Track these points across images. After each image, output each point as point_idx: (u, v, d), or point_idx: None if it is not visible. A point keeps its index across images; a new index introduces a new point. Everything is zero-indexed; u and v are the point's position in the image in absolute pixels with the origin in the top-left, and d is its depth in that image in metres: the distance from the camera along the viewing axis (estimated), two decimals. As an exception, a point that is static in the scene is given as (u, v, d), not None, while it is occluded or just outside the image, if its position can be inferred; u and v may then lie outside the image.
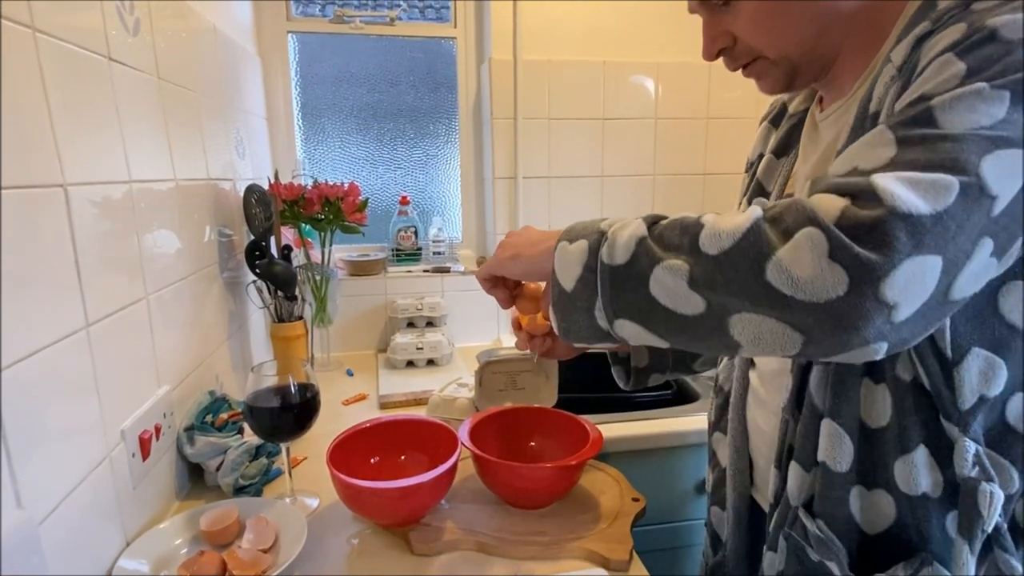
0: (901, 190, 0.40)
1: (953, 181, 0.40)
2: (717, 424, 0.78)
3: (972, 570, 0.51)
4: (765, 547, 0.65)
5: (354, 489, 0.73)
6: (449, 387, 1.15)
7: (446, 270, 1.64)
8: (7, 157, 0.53)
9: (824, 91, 0.66)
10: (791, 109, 0.73)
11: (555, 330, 0.56)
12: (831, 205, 0.41)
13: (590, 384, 1.20)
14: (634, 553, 0.74)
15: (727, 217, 0.46)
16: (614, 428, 1.10)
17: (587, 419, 0.89)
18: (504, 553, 0.74)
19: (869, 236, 0.39)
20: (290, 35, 1.59)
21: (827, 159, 0.62)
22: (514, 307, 0.72)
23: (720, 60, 0.64)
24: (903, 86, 0.49)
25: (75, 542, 0.62)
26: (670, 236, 0.48)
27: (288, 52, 1.59)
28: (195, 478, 0.93)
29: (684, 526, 1.17)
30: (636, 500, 0.83)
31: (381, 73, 1.66)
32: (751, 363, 0.73)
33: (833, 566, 0.56)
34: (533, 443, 0.91)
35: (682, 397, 1.31)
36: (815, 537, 0.58)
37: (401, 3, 1.64)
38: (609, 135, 1.62)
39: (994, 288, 0.49)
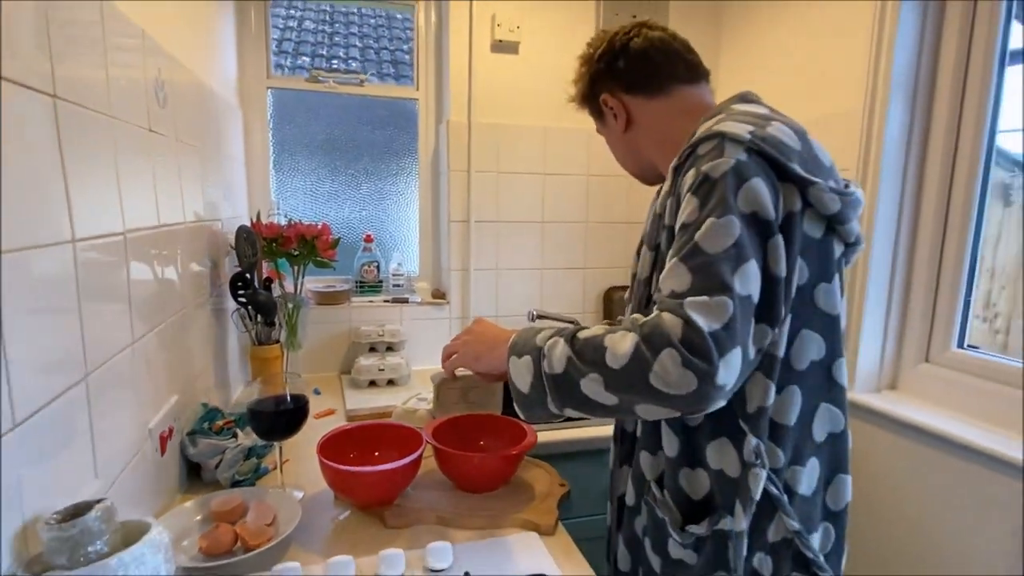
0: (702, 320, 0.63)
1: (727, 301, 0.64)
2: None
3: (745, 523, 0.75)
4: (635, 515, 0.90)
5: (341, 474, 0.92)
6: (410, 401, 1.35)
7: (405, 301, 1.84)
8: (90, 212, 0.72)
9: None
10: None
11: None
12: (675, 326, 0.64)
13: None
14: (559, 522, 0.96)
15: (619, 340, 0.67)
16: (549, 435, 1.33)
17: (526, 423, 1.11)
18: (460, 524, 0.94)
19: (698, 351, 0.63)
20: (269, 90, 1.78)
21: (650, 221, 0.89)
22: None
23: None
24: (675, 202, 0.76)
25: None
26: (586, 353, 0.70)
27: (266, 105, 1.78)
28: (192, 476, 1.09)
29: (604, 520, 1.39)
30: (562, 485, 1.06)
31: (350, 124, 1.87)
32: None
33: (670, 522, 0.82)
34: (482, 442, 1.12)
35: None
36: (661, 503, 0.83)
37: (370, 68, 1.87)
38: (549, 188, 1.89)
39: None
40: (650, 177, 0.97)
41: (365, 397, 1.55)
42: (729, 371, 0.64)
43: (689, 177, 0.73)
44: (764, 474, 0.75)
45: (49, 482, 0.59)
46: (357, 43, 1.95)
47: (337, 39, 1.95)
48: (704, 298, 0.65)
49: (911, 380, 1.48)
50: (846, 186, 0.79)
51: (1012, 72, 1.33)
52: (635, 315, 0.71)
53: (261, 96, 1.77)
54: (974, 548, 1.21)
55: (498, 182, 1.84)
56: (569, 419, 0.83)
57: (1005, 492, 1.15)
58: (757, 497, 0.75)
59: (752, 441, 0.75)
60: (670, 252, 0.72)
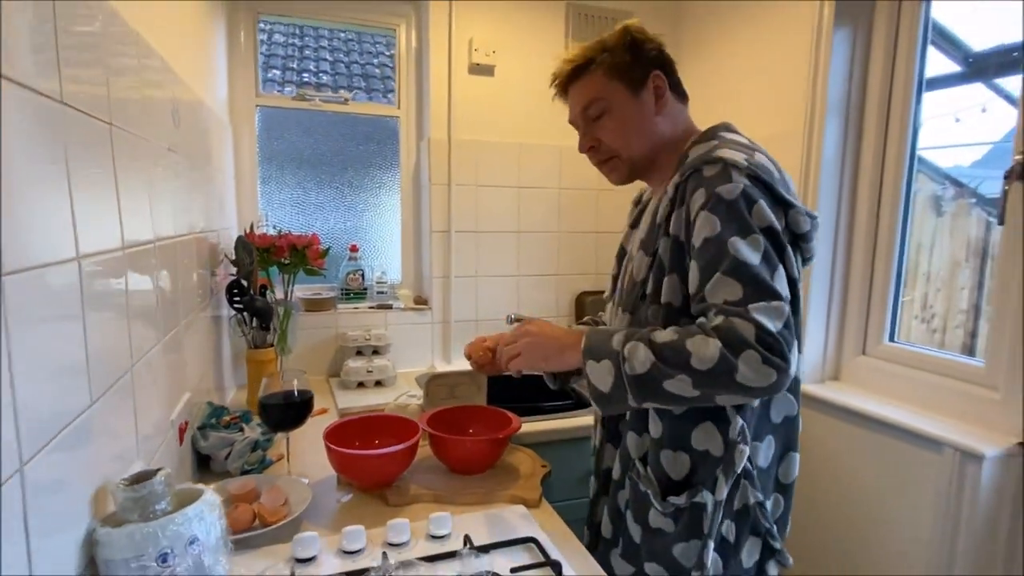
0: (769, 323, 0.76)
1: (782, 304, 0.78)
2: None
3: (726, 493, 0.87)
4: (619, 489, 1.01)
5: (348, 457, 1.02)
6: (401, 397, 1.45)
7: (389, 307, 1.94)
8: (132, 223, 0.81)
9: (650, 183, 1.07)
10: (644, 197, 1.13)
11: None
12: (748, 330, 0.75)
13: (514, 397, 1.55)
14: (543, 497, 1.08)
15: (701, 344, 0.77)
16: (532, 426, 1.45)
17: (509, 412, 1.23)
18: (454, 501, 1.05)
19: (773, 349, 0.75)
20: (258, 108, 1.87)
21: (648, 229, 0.99)
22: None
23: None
24: (681, 213, 0.87)
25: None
26: (670, 357, 0.79)
27: (255, 121, 1.87)
28: (202, 468, 1.17)
29: (582, 503, 1.51)
30: (544, 466, 1.17)
31: (336, 138, 1.97)
32: None
33: (651, 494, 0.93)
34: (471, 429, 1.23)
35: (579, 404, 1.67)
36: (644, 477, 0.94)
37: (341, 81, 1.98)
38: (523, 200, 2.02)
39: None
40: (636, 170, 1.02)
41: (355, 397, 1.64)
42: (794, 361, 0.76)
43: (699, 196, 0.84)
44: (747, 449, 0.87)
45: (109, 456, 0.68)
46: (327, 56, 2.05)
47: (307, 52, 2.05)
48: (763, 303, 0.77)
49: (851, 371, 1.65)
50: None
51: (937, 96, 1.52)
52: (702, 320, 0.81)
53: (250, 114, 1.86)
54: (903, 513, 1.38)
55: (477, 195, 1.97)
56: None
57: (930, 465, 1.31)
58: (739, 470, 0.87)
59: (738, 422, 0.87)
60: (699, 264, 0.82)
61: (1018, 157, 1.25)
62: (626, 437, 0.99)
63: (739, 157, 0.85)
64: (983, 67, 1.50)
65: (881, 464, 1.43)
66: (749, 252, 0.80)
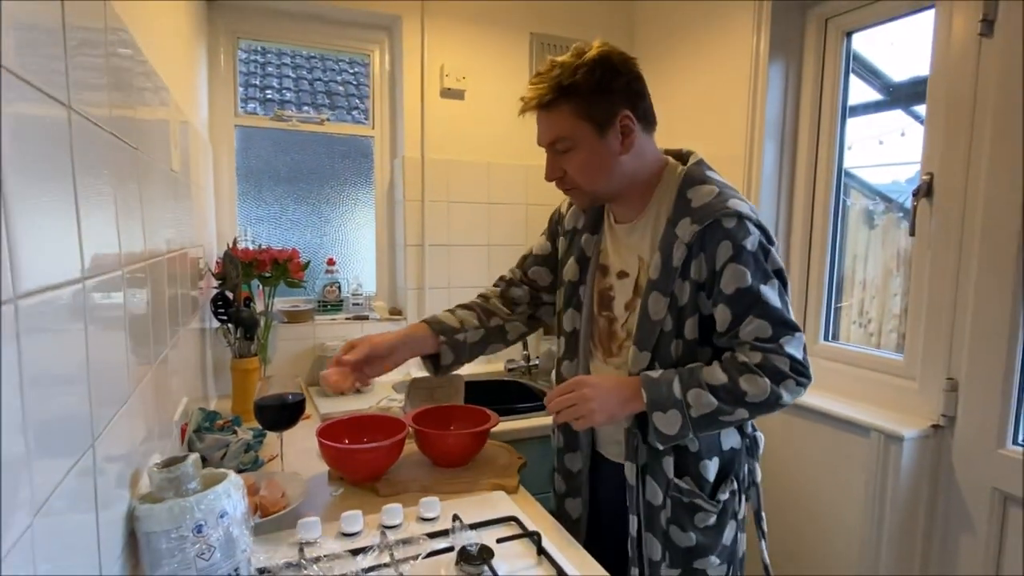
0: (797, 353, 0.96)
1: (801, 335, 0.98)
2: None
3: (760, 475, 1.09)
4: (649, 510, 1.06)
5: (341, 452, 1.11)
6: (382, 401, 1.54)
7: (365, 318, 2.02)
8: (152, 237, 0.90)
9: (614, 208, 1.13)
10: None
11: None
12: (784, 363, 0.95)
13: (490, 400, 1.65)
14: (520, 484, 1.19)
15: (751, 382, 0.94)
16: (507, 425, 1.55)
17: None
18: (440, 490, 1.15)
19: (803, 373, 0.96)
20: (236, 127, 1.94)
21: (629, 255, 1.09)
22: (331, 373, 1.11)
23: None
24: (701, 260, 0.97)
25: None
26: (728, 398, 0.95)
27: (234, 140, 1.94)
28: (197, 470, 1.23)
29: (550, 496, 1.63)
30: (520, 458, 1.28)
31: (311, 156, 2.06)
32: (587, 368, 1.19)
33: (701, 500, 1.03)
34: (452, 426, 1.33)
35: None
36: (685, 489, 1.04)
37: (304, 98, 2.07)
38: (493, 215, 2.15)
39: None
40: (598, 200, 1.09)
41: (335, 403, 1.71)
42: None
43: (726, 248, 0.95)
44: (762, 436, 1.08)
45: (134, 447, 0.76)
46: (291, 73, 2.13)
47: (270, 69, 2.12)
48: (788, 337, 0.96)
49: (792, 368, 1.82)
50: None
51: (863, 120, 1.72)
52: (742, 358, 0.97)
53: (229, 133, 1.93)
54: (839, 489, 1.55)
55: (448, 210, 2.08)
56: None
57: (859, 447, 1.48)
58: (761, 451, 1.10)
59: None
60: (732, 309, 0.96)
61: (925, 177, 1.44)
62: (662, 462, 1.04)
63: (747, 208, 0.98)
64: (901, 96, 1.70)
65: (818, 449, 1.60)
66: (772, 295, 0.97)
